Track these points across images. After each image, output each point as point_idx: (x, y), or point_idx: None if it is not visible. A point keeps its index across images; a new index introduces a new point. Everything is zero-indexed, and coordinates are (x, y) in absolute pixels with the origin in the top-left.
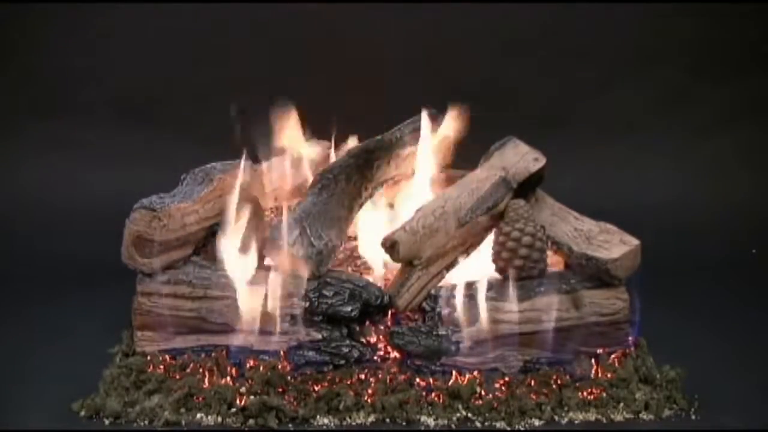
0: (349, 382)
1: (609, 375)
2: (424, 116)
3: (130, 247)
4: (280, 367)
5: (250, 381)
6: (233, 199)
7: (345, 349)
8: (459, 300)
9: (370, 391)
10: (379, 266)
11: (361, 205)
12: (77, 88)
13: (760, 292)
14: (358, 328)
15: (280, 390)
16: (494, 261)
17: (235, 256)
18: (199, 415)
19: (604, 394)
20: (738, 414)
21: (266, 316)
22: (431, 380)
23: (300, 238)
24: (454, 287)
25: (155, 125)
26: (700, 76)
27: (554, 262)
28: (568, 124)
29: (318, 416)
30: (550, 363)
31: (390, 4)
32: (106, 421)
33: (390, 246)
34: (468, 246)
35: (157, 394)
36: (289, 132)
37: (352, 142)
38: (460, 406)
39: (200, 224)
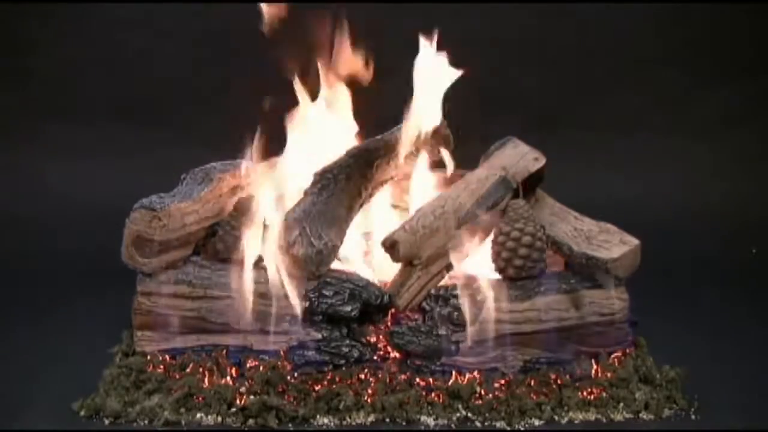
0: (349, 382)
1: (609, 375)
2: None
3: (130, 247)
4: (280, 367)
5: (250, 381)
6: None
7: (345, 349)
8: (459, 300)
9: (370, 391)
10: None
11: (361, 205)
12: (77, 88)
13: (760, 292)
14: (358, 328)
15: (280, 390)
16: (494, 261)
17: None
18: (199, 415)
19: (604, 394)
20: (738, 414)
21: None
22: (431, 380)
23: (300, 238)
24: (454, 287)
25: (155, 125)
26: (700, 77)
27: (554, 261)
28: (568, 124)
29: (318, 416)
30: (550, 363)
31: (389, 4)
32: (106, 421)
33: (390, 246)
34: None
35: (157, 394)
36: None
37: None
38: (460, 406)
39: (200, 224)
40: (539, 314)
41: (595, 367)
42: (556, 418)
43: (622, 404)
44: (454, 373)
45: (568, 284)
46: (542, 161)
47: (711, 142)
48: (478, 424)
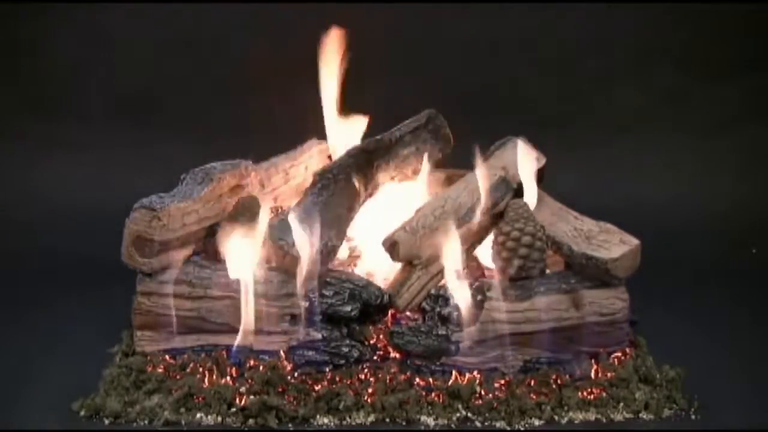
0: (349, 382)
1: (609, 375)
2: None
3: (130, 247)
4: (280, 367)
5: (250, 381)
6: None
7: (345, 349)
8: (459, 300)
9: (370, 391)
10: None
11: (361, 205)
12: (77, 88)
13: (760, 292)
14: (357, 328)
15: (280, 390)
16: (494, 261)
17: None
18: (199, 415)
19: (604, 394)
20: (738, 414)
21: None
22: (431, 380)
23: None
24: (454, 287)
25: (155, 125)
26: (700, 76)
27: (554, 262)
28: (568, 124)
29: (318, 416)
30: (550, 363)
31: (389, 4)
32: (106, 421)
33: (390, 246)
34: (468, 246)
35: (157, 394)
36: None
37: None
38: (460, 406)
39: (200, 224)
40: (539, 314)
41: (595, 366)
42: (556, 418)
43: (622, 404)
44: (454, 373)
45: (568, 284)
46: (542, 161)
47: (711, 142)
48: (478, 424)
